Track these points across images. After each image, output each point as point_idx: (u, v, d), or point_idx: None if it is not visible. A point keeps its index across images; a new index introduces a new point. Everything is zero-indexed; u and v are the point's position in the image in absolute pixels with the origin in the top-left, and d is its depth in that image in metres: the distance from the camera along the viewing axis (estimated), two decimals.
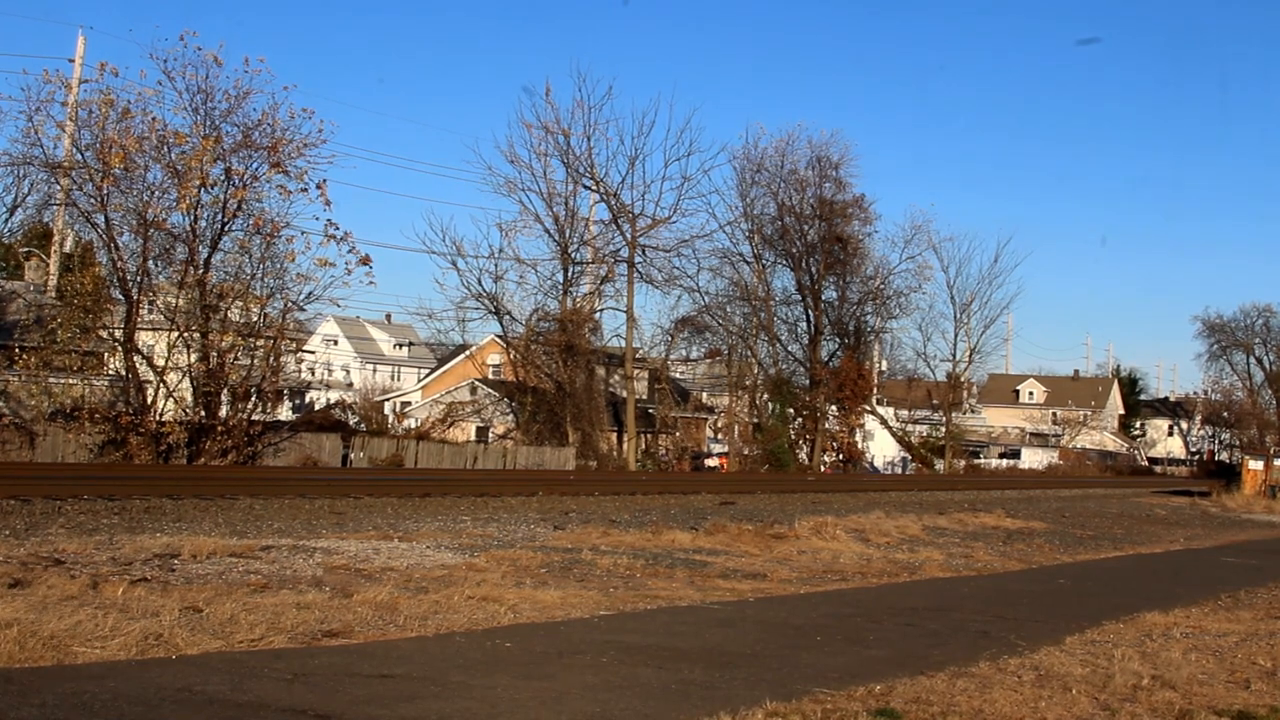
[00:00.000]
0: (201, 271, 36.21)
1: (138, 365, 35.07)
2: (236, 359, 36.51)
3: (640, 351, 60.06)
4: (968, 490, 46.73)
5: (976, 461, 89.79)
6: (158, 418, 34.68)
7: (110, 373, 37.44)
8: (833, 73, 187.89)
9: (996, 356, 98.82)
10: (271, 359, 37.35)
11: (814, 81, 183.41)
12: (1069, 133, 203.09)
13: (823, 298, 66.72)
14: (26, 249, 51.11)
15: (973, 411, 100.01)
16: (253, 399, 37.07)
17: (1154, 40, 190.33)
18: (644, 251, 55.57)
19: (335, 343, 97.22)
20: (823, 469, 64.84)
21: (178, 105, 36.06)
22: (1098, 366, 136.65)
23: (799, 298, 67.10)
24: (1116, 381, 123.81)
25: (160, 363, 35.37)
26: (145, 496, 20.59)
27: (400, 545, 16.17)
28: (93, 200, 35.28)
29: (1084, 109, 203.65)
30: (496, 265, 54.85)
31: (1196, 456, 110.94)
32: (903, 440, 79.81)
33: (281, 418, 50.84)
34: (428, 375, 79.73)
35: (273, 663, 7.84)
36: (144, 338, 37.23)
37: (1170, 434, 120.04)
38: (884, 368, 78.49)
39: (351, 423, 53.84)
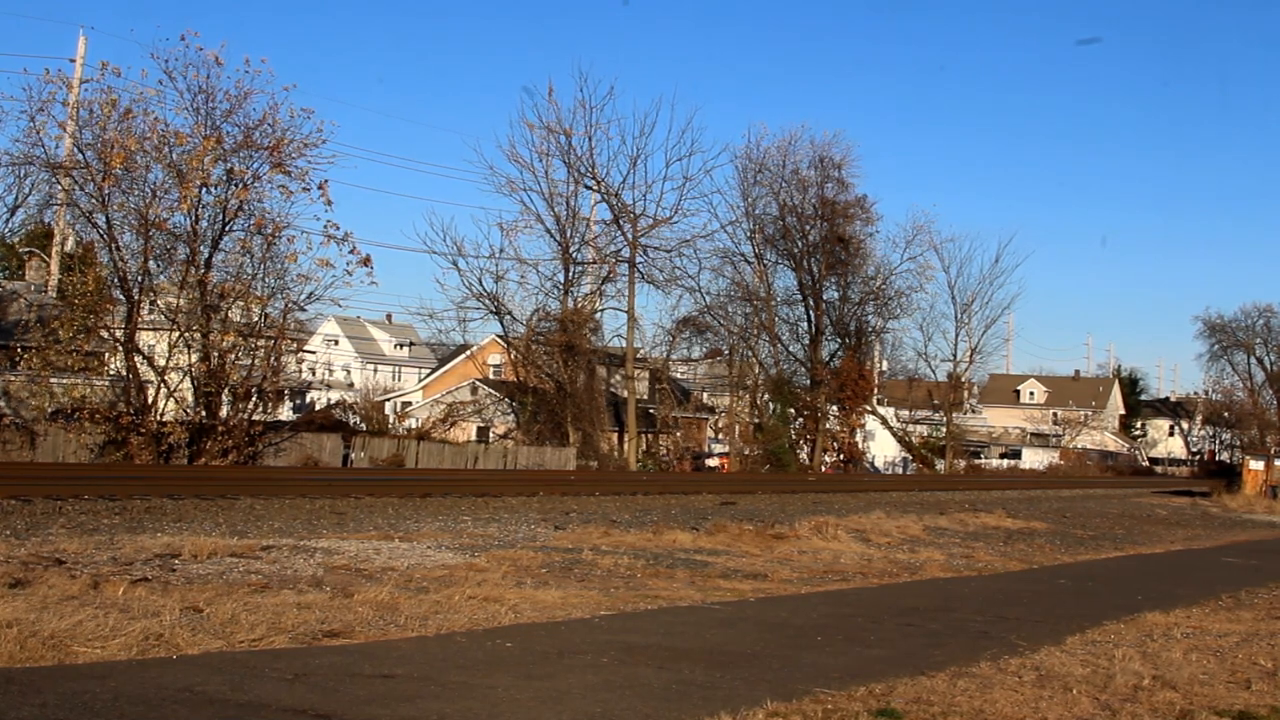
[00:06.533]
0: (202, 271, 36.23)
1: (139, 365, 35.09)
2: (237, 359, 36.54)
3: (641, 351, 60.06)
4: (968, 490, 46.72)
5: (977, 462, 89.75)
6: (158, 418, 34.71)
7: (111, 373, 37.43)
8: (834, 73, 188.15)
9: (997, 357, 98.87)
10: (272, 359, 37.37)
11: (815, 82, 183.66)
12: (1069, 133, 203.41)
13: (824, 298, 66.84)
14: (28, 249, 51.11)
15: (973, 412, 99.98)
16: (253, 399, 37.09)
17: (1154, 40, 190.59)
18: (645, 251, 55.65)
19: (336, 343, 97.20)
20: (823, 469, 64.84)
21: (179, 105, 36.18)
22: (1098, 366, 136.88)
23: (800, 298, 67.25)
24: (1117, 382, 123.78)
25: (161, 363, 35.41)
26: (146, 496, 20.59)
27: (401, 545, 16.16)
28: (94, 200, 35.28)
29: (1084, 109, 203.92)
30: (497, 265, 54.91)
31: (1197, 457, 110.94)
32: (903, 440, 79.79)
33: (282, 418, 50.85)
34: (428, 375, 79.70)
35: (273, 663, 7.84)
36: (145, 338, 37.25)
37: (1171, 434, 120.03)
38: (885, 368, 78.51)
39: (352, 423, 53.78)
